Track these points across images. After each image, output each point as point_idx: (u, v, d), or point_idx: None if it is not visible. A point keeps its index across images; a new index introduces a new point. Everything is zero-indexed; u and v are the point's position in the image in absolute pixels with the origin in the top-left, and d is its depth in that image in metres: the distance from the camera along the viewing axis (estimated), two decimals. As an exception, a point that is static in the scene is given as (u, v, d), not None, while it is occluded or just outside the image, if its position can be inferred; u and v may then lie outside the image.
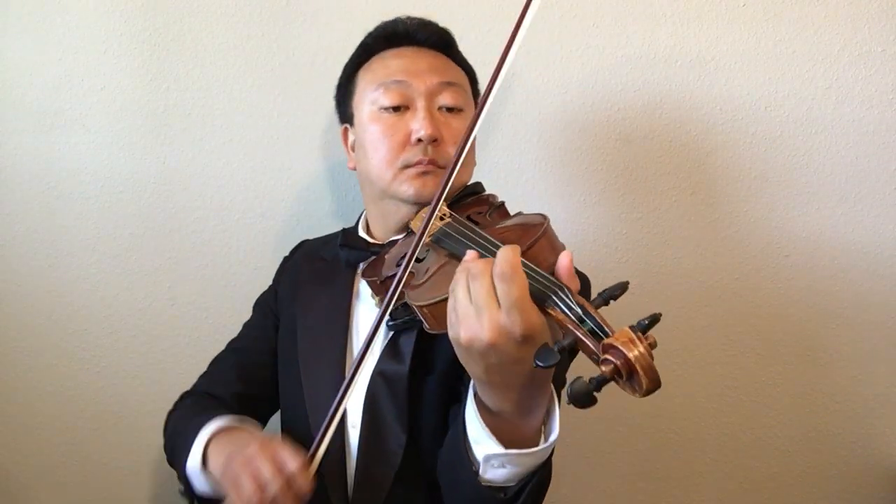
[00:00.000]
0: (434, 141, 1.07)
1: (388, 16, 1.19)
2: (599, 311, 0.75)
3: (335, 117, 1.24)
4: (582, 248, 1.48)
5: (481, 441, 0.83)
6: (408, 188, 1.07)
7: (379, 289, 1.02)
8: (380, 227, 1.16)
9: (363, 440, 1.02)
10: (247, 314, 1.27)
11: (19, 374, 1.44)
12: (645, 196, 1.50)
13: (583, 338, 0.73)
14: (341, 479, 1.03)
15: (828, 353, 1.53)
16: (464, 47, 1.21)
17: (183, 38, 1.42)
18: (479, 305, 0.74)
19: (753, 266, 1.51)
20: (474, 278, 0.75)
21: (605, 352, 0.69)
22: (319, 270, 1.18)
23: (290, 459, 0.86)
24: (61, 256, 1.43)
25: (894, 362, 1.53)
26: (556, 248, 0.87)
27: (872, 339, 1.52)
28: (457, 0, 1.44)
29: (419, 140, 1.06)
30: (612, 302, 0.77)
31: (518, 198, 1.44)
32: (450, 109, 1.11)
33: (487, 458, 0.83)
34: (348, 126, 1.20)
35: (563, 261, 0.80)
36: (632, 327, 0.69)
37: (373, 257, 1.09)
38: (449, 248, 0.93)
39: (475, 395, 0.84)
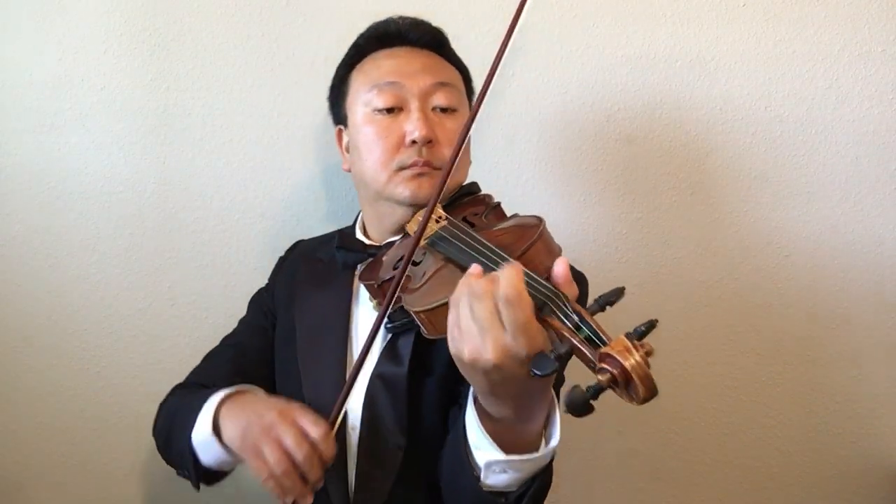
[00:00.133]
0: (428, 142, 1.06)
1: (388, 15, 1.18)
2: (595, 317, 0.75)
3: (334, 118, 1.24)
4: (582, 248, 1.48)
5: (482, 447, 0.83)
6: (403, 190, 1.07)
7: (377, 292, 1.02)
8: (376, 228, 1.15)
9: (363, 442, 1.02)
10: (247, 314, 1.27)
11: (19, 374, 1.44)
12: (645, 196, 1.49)
13: (579, 346, 0.73)
14: (342, 480, 1.03)
15: (828, 353, 1.53)
16: (460, 47, 1.20)
17: (183, 38, 1.42)
18: (482, 326, 0.72)
19: (753, 266, 1.51)
20: (478, 299, 0.73)
21: (601, 361, 0.69)
22: (317, 272, 1.18)
23: (313, 426, 0.86)
24: (61, 256, 1.43)
25: (894, 362, 1.53)
26: (553, 250, 0.87)
27: (872, 339, 1.52)
28: (456, 0, 1.43)
29: (413, 142, 1.06)
30: (608, 308, 0.77)
31: (518, 198, 1.45)
32: (444, 110, 1.10)
33: (489, 465, 0.83)
34: (342, 127, 1.19)
35: (560, 268, 0.79)
36: (628, 335, 0.69)
37: (370, 259, 1.09)
38: (445, 252, 0.92)
39: (475, 401, 0.84)
